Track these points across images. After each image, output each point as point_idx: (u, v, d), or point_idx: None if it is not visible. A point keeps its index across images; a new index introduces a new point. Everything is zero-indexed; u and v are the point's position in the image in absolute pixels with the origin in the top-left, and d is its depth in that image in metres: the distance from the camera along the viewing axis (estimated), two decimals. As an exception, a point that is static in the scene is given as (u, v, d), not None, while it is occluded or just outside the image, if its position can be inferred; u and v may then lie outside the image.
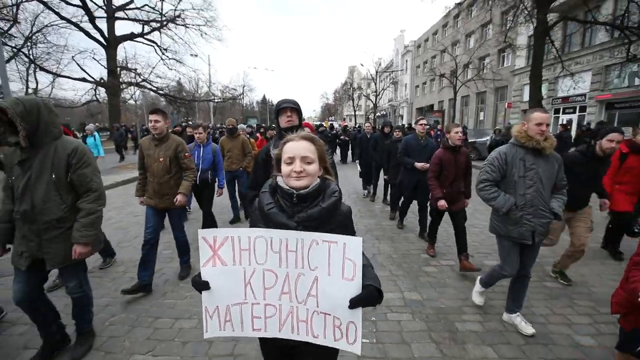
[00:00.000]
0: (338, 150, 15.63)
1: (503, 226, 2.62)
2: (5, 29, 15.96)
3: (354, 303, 1.07)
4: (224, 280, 1.17)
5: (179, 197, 3.36)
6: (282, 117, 2.24)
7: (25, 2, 16.50)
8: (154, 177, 3.32)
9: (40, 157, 2.04)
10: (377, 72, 38.07)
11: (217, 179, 4.76)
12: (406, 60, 46.03)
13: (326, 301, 1.12)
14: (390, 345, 2.50)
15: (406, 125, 20.64)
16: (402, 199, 5.39)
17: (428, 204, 4.23)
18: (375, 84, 37.69)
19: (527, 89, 14.66)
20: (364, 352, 2.43)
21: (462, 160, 3.83)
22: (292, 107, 2.23)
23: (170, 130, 3.65)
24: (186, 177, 3.43)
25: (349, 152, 14.98)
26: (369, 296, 1.08)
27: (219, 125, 23.83)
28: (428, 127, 15.49)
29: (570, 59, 17.97)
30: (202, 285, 1.17)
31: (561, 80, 18.62)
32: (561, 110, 20.17)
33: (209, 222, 4.69)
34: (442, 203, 3.73)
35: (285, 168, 1.20)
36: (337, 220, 1.24)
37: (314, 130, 2.81)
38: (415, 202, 5.11)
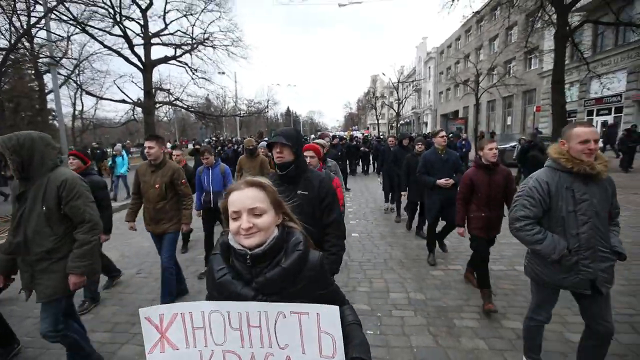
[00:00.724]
0: (360, 161, 15.36)
1: (549, 273, 2.06)
2: (58, 59, 17.80)
3: None
4: None
5: (184, 227, 3.50)
6: (273, 152, 2.02)
7: (75, 34, 18.42)
8: (150, 203, 3.33)
9: (34, 189, 2.09)
10: (398, 80, 38.20)
11: None
12: (429, 67, 45.85)
13: None
14: (391, 336, 2.86)
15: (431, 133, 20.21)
16: (427, 224, 4.70)
17: (468, 236, 3.49)
18: (397, 92, 37.80)
19: (556, 92, 14.27)
20: (368, 340, 2.80)
21: (499, 180, 3.25)
22: (283, 143, 1.94)
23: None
24: (185, 206, 3.45)
25: (370, 164, 14.79)
26: None
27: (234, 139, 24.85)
28: (451, 135, 15.28)
29: (604, 58, 17.40)
30: None
31: (594, 81, 18.03)
32: (595, 111, 19.43)
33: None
34: (461, 231, 3.46)
35: (232, 225, 1.01)
36: (306, 277, 1.04)
37: (318, 151, 2.84)
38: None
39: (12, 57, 12.35)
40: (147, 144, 3.30)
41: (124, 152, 10.02)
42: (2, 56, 11.25)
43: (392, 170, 6.73)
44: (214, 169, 4.46)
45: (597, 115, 19.27)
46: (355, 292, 3.70)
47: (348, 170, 13.79)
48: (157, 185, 3.28)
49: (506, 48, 24.35)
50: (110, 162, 11.11)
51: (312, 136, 33.77)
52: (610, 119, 18.30)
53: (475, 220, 3.33)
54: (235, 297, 1.00)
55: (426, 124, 47.53)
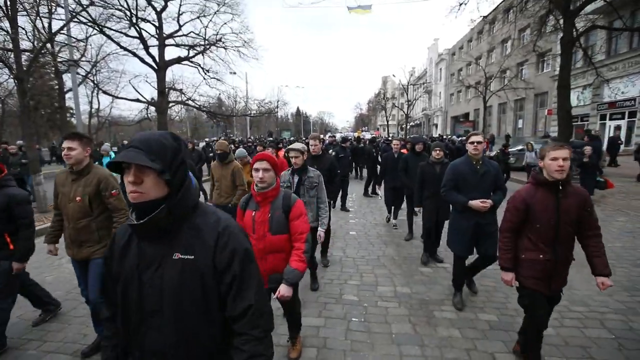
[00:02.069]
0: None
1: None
2: (76, 59, 18.52)
3: None
4: None
5: None
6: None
7: (92, 35, 19.15)
8: (69, 221, 2.65)
9: None
10: (408, 82, 38.20)
11: None
12: (440, 69, 45.67)
13: None
14: (374, 324, 3.12)
15: (444, 137, 19.21)
16: (454, 260, 3.52)
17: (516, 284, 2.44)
18: (407, 94, 37.80)
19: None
20: (351, 326, 3.07)
21: (571, 206, 2.21)
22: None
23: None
24: (115, 224, 2.67)
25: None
26: None
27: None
28: (459, 137, 14.72)
29: (616, 62, 17.21)
30: None
31: (606, 84, 17.83)
32: (608, 116, 19.17)
33: None
34: (508, 278, 2.38)
35: None
36: None
37: (274, 162, 2.26)
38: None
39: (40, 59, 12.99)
40: (66, 144, 2.55)
41: (112, 154, 8.51)
42: (25, 57, 11.84)
43: (397, 179, 5.76)
44: None
45: (610, 119, 19.03)
46: (346, 285, 3.96)
47: (356, 175, 13.08)
48: (77, 198, 2.58)
49: (518, 50, 24.14)
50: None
51: (324, 136, 33.99)
52: (623, 123, 18.06)
53: (528, 264, 2.32)
54: None
55: (436, 125, 47.33)
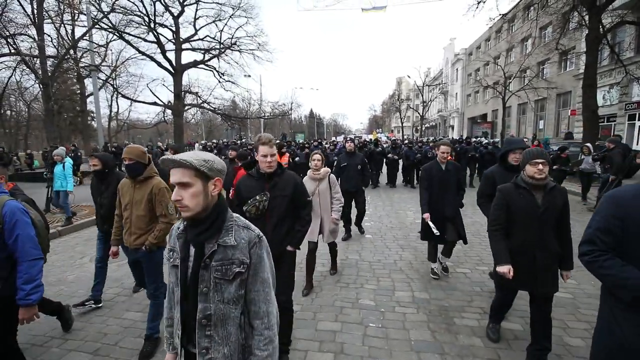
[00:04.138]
0: (384, 170, 12.47)
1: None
2: (97, 64, 19.14)
3: None
4: None
5: None
6: None
7: (112, 41, 19.76)
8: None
9: None
10: (424, 84, 37.71)
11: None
12: (457, 69, 44.89)
13: None
14: (392, 330, 3.03)
15: (464, 138, 17.62)
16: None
17: None
18: (422, 95, 37.32)
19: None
20: (368, 332, 3.00)
21: None
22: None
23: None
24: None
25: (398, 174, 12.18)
26: None
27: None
28: (477, 139, 13.29)
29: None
30: None
31: (635, 83, 17.01)
32: (637, 116, 18.32)
33: None
34: None
35: None
36: None
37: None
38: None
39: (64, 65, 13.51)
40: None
41: (67, 160, 7.08)
42: (49, 63, 12.30)
43: (451, 205, 3.95)
44: None
45: (640, 120, 18.20)
46: (362, 289, 3.88)
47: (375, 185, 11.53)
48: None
49: (539, 48, 23.42)
50: (45, 173, 8.55)
51: (339, 138, 33.75)
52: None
53: None
54: None
55: (452, 127, 46.52)
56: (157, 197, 2.85)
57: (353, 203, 5.87)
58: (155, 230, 2.86)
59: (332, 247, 4.26)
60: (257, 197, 2.48)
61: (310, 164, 3.90)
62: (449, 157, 4.03)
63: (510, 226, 2.54)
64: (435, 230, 3.87)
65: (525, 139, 8.87)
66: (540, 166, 2.34)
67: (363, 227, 6.23)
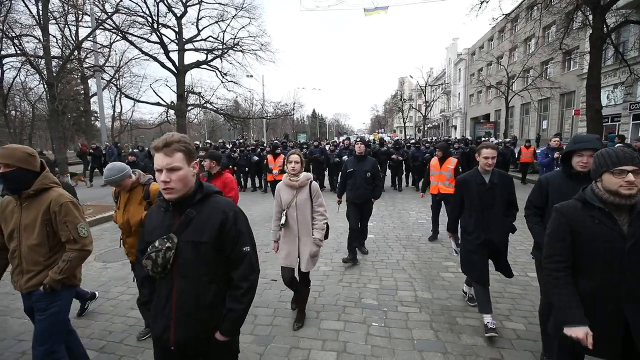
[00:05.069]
0: (388, 172, 11.77)
1: None
2: (101, 65, 19.24)
3: None
4: None
5: None
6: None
7: (116, 42, 19.84)
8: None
9: None
10: (426, 83, 37.64)
11: None
12: (459, 69, 44.78)
13: None
14: (395, 329, 3.04)
15: (468, 139, 17.19)
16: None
17: None
18: (425, 95, 37.25)
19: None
20: (371, 331, 3.01)
21: None
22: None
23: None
24: None
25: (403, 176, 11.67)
26: None
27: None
28: (485, 138, 12.92)
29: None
30: None
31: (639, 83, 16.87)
32: (642, 116, 18.19)
33: None
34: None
35: None
36: None
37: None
38: None
39: (68, 66, 13.62)
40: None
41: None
42: (54, 63, 12.38)
43: (496, 229, 3.01)
44: None
45: (646, 120, 18.06)
46: (365, 289, 3.90)
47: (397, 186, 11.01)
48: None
49: (543, 48, 23.28)
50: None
51: (340, 138, 33.70)
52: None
53: None
54: None
55: (455, 127, 46.40)
56: (58, 216, 2.00)
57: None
58: (60, 262, 2.01)
59: (305, 283, 3.16)
60: (157, 243, 1.45)
61: (286, 167, 3.07)
62: (492, 165, 2.98)
63: (577, 262, 1.70)
64: (454, 246, 3.33)
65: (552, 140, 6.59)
66: (631, 176, 1.54)
67: (365, 246, 5.20)
